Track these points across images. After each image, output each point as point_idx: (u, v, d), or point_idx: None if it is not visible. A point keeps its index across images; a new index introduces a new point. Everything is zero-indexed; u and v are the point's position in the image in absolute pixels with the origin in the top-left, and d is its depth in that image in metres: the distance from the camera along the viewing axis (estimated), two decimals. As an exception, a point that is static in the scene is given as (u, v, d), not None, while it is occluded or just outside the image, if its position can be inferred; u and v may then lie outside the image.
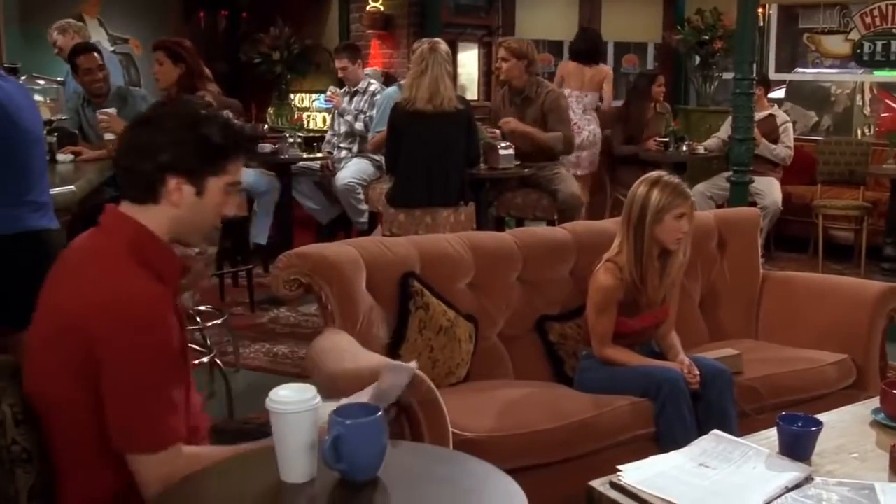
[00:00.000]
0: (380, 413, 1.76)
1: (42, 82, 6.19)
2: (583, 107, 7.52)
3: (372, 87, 7.08)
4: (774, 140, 7.27)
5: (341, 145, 7.16)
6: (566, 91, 7.21)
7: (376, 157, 6.78)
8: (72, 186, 3.97)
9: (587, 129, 7.41)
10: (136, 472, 1.88)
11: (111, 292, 1.86)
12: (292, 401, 1.74)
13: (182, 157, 1.96)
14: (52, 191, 3.54)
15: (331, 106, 7.53)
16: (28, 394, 1.94)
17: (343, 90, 7.25)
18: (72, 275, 1.96)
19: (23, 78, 5.49)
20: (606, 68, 7.89)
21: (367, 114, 6.93)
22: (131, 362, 1.84)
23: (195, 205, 2.00)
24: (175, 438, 1.90)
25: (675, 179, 3.27)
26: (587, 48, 7.73)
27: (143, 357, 1.85)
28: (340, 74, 7.18)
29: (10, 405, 1.90)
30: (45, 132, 3.86)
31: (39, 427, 1.94)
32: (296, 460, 1.75)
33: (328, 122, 8.01)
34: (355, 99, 7.10)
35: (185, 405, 1.97)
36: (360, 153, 7.01)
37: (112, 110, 5.18)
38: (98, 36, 7.65)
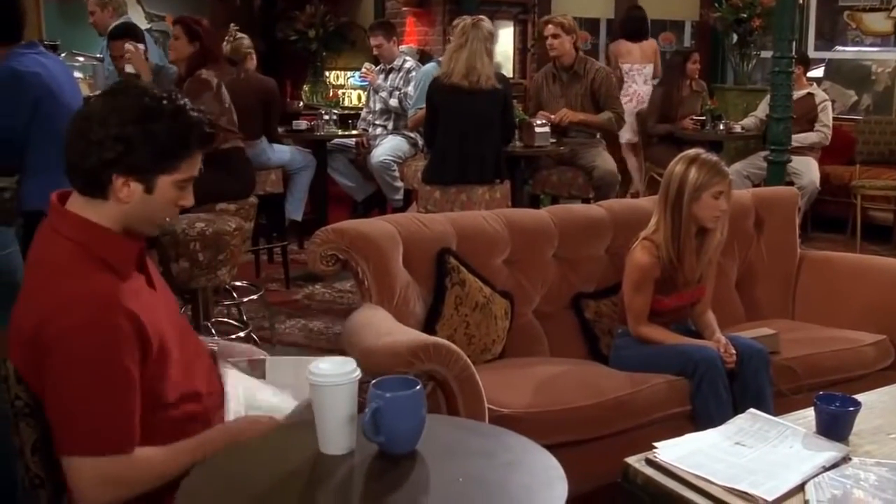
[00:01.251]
0: (419, 387, 1.77)
1: (81, 59, 6.25)
2: (643, 77, 8.10)
3: (407, 65, 7.07)
4: (812, 119, 7.20)
5: (376, 122, 7.16)
6: (626, 66, 7.96)
7: (411, 135, 6.79)
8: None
9: (648, 99, 7.90)
10: (66, 474, 1.83)
11: (53, 301, 1.81)
12: (333, 373, 1.76)
13: (127, 156, 1.86)
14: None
15: (366, 83, 7.54)
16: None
17: (378, 67, 7.25)
18: (26, 284, 1.93)
19: (62, 55, 5.55)
20: (654, 41, 8.41)
21: (402, 91, 6.93)
22: (68, 367, 1.79)
23: (145, 201, 1.91)
24: (114, 446, 1.82)
25: (713, 157, 3.24)
26: (636, 27, 8.27)
27: (79, 363, 1.79)
28: (375, 52, 7.17)
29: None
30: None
31: None
32: (335, 432, 1.77)
33: (363, 99, 8.01)
34: (390, 76, 7.09)
35: (137, 408, 1.86)
36: (396, 130, 7.01)
37: (142, 47, 5.21)
38: (135, 13, 7.70)
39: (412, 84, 6.74)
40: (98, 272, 1.87)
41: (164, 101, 1.91)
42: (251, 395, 2.17)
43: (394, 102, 6.98)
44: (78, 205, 1.93)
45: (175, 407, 1.98)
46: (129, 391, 1.85)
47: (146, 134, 1.86)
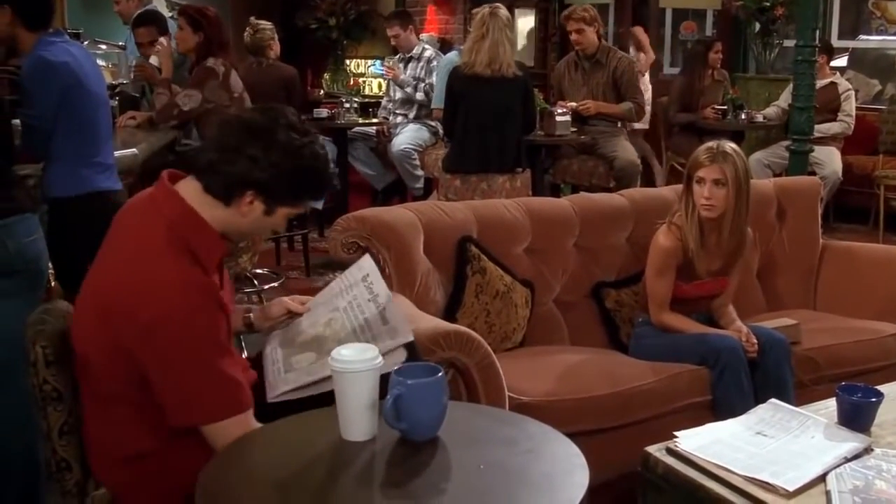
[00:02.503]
0: (441, 374, 1.78)
1: (104, 47, 6.28)
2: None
3: (427, 53, 7.06)
4: (835, 109, 7.14)
5: (397, 111, 7.16)
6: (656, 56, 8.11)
7: (432, 123, 6.79)
8: (134, 149, 4.03)
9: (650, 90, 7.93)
10: (210, 441, 1.92)
11: (154, 283, 1.87)
12: (354, 360, 1.77)
13: (273, 183, 1.97)
14: (116, 153, 3.62)
15: (388, 77, 7.53)
16: (74, 351, 2.01)
17: (398, 57, 7.24)
18: (115, 251, 1.99)
19: (85, 43, 5.56)
20: None
21: (427, 82, 6.92)
22: (174, 351, 1.87)
23: (258, 221, 2.03)
24: (236, 408, 1.93)
25: (717, 144, 3.19)
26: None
27: (182, 345, 1.87)
28: (393, 42, 7.17)
29: (43, 347, 1.99)
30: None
31: (69, 369, 2.01)
32: (357, 419, 1.78)
33: (384, 87, 8.02)
34: (409, 65, 7.09)
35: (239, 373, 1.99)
36: (416, 119, 7.00)
37: (174, 44, 5.26)
38: (158, 1, 7.72)
39: (435, 74, 6.73)
40: (184, 262, 1.93)
41: (315, 146, 2.04)
42: (287, 356, 2.22)
43: (420, 96, 6.96)
44: (190, 193, 2.00)
45: None
46: (231, 360, 1.97)
47: (296, 171, 1.99)
